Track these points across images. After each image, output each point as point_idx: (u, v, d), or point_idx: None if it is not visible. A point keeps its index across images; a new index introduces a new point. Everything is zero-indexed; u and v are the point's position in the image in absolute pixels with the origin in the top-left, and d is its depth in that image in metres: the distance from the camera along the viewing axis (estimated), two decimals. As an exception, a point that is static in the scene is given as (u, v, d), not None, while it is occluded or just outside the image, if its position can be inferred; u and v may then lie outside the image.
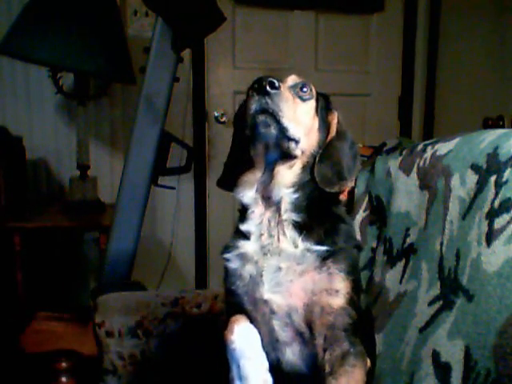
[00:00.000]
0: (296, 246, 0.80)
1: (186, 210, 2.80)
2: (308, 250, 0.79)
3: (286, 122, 0.77)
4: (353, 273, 0.81)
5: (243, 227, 0.84)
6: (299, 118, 0.81)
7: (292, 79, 0.86)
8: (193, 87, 2.75)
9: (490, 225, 0.77)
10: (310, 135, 0.84)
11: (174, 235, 2.80)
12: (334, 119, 0.89)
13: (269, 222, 0.82)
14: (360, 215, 1.21)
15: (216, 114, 2.81)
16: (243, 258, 0.82)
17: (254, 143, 0.81)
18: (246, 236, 0.83)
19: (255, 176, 0.84)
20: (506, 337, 0.67)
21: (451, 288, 0.83)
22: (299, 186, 0.82)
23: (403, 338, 0.91)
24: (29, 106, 2.53)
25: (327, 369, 0.75)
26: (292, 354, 0.82)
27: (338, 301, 0.78)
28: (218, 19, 1.86)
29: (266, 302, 0.80)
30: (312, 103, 0.86)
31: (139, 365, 1.22)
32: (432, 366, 0.81)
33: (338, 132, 0.88)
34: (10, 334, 2.05)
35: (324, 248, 0.79)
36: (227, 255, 0.85)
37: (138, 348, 1.22)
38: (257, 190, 0.84)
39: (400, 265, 1.02)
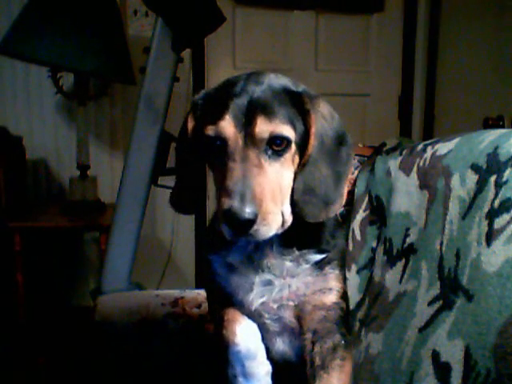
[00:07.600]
0: (290, 259, 0.77)
1: (185, 210, 2.80)
2: (303, 258, 0.77)
3: (265, 221, 0.65)
4: (343, 267, 0.81)
5: None
6: (277, 193, 0.68)
7: (259, 134, 0.66)
8: (193, 87, 2.75)
9: (490, 225, 0.77)
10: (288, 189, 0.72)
11: (174, 235, 2.80)
12: (313, 127, 0.71)
13: None
14: (360, 215, 1.21)
15: (216, 114, 2.81)
16: (229, 266, 0.79)
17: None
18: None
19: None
20: (506, 337, 0.67)
21: (451, 288, 0.83)
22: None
23: (403, 337, 0.91)
24: (29, 106, 2.53)
25: (318, 362, 0.76)
26: (282, 344, 0.83)
27: (332, 297, 0.79)
28: (217, 19, 1.86)
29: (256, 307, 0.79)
30: (290, 153, 0.70)
31: (139, 365, 1.22)
32: (432, 366, 0.81)
33: (314, 149, 0.71)
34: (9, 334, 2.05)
35: (321, 256, 0.78)
36: (213, 257, 0.81)
37: (138, 348, 1.22)
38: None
39: (400, 265, 1.02)
